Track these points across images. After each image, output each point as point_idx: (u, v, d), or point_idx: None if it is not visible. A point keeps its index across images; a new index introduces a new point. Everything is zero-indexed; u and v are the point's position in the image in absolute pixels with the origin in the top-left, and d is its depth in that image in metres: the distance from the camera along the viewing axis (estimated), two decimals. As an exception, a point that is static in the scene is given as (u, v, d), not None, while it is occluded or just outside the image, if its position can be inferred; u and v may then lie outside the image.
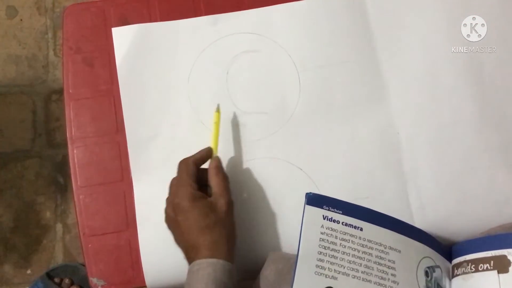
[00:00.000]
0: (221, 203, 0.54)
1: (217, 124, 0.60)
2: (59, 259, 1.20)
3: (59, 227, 1.21)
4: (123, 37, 0.66)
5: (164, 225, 0.61)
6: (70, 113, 0.65)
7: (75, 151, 0.64)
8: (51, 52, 1.27)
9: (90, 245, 0.63)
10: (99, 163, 0.64)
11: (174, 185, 0.55)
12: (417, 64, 0.66)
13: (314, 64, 0.65)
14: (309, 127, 0.64)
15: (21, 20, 1.29)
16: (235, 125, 0.64)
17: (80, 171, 0.64)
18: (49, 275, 1.13)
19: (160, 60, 0.65)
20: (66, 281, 1.12)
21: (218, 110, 0.61)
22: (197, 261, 0.51)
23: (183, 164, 0.56)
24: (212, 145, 0.59)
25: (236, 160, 0.63)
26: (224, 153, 0.62)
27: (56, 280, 1.12)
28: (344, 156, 0.64)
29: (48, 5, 1.29)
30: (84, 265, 1.13)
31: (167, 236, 0.61)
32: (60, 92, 1.25)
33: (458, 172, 0.63)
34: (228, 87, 0.65)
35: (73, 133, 0.65)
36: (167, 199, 0.56)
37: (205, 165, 0.58)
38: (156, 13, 0.67)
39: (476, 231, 0.61)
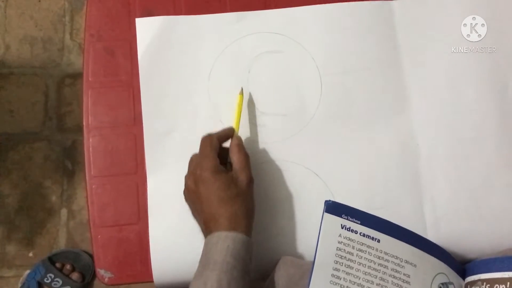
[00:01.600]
0: (242, 178, 0.54)
1: (240, 106, 0.61)
2: (61, 244, 1.19)
3: (64, 212, 1.21)
4: (147, 29, 0.65)
5: (175, 221, 0.62)
6: (88, 101, 0.64)
7: (90, 140, 0.64)
8: (67, 36, 1.27)
9: (99, 236, 0.62)
10: (113, 154, 0.63)
11: (197, 157, 0.56)
12: (441, 76, 0.65)
13: (337, 69, 0.65)
14: (327, 133, 0.64)
15: (39, 1, 1.28)
16: (253, 125, 0.64)
17: (94, 161, 0.63)
18: (51, 260, 1.13)
19: (182, 55, 0.65)
20: (68, 266, 1.12)
21: (241, 92, 0.62)
22: (216, 233, 0.50)
23: (207, 139, 0.56)
24: (234, 125, 0.60)
25: (252, 160, 0.62)
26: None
27: (58, 265, 1.12)
28: (361, 164, 0.63)
29: (67, -12, 1.29)
30: (86, 252, 1.15)
31: (179, 232, 0.62)
32: (73, 76, 1.25)
33: (475, 188, 0.63)
34: (249, 86, 0.64)
35: (89, 122, 0.64)
36: (188, 174, 0.56)
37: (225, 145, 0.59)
38: (181, 6, 0.66)
39: (490, 249, 0.60)
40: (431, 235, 0.61)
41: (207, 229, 0.52)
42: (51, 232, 1.20)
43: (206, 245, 0.51)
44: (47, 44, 1.26)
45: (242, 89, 0.62)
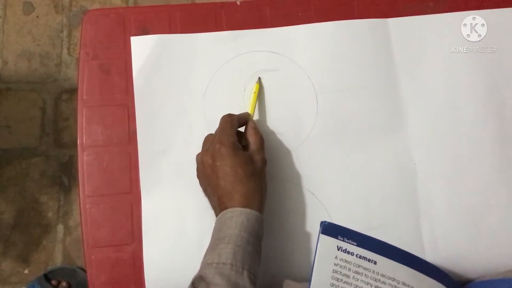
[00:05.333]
0: (257, 158, 0.56)
1: (256, 93, 0.63)
2: (58, 260, 1.18)
3: (60, 228, 1.20)
4: (142, 47, 0.65)
5: (170, 241, 0.61)
6: (82, 120, 0.64)
7: (84, 159, 0.63)
8: (65, 51, 1.27)
9: (93, 257, 0.61)
10: (108, 173, 0.63)
11: (216, 135, 0.57)
12: (438, 94, 0.65)
13: (333, 87, 0.64)
14: (323, 151, 0.63)
15: (37, 16, 1.28)
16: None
17: (88, 180, 0.63)
18: (47, 277, 1.12)
19: (178, 73, 0.64)
20: (64, 284, 1.11)
21: (258, 82, 0.64)
22: (231, 209, 0.51)
23: (228, 117, 0.58)
24: (250, 111, 0.62)
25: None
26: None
27: (54, 282, 1.11)
28: (358, 183, 0.62)
29: (65, 4, 1.29)
30: (82, 269, 1.13)
31: (173, 253, 0.61)
32: (71, 92, 1.25)
33: (473, 207, 0.62)
34: (244, 104, 0.64)
35: (84, 141, 0.63)
36: (202, 151, 0.57)
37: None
38: (176, 25, 0.66)
39: (488, 269, 0.60)
40: (429, 255, 0.60)
41: (221, 205, 0.53)
42: (47, 248, 1.19)
43: (219, 220, 0.52)
44: (45, 59, 1.26)
45: (259, 78, 0.64)
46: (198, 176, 0.58)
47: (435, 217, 0.62)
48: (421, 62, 0.65)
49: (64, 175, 1.21)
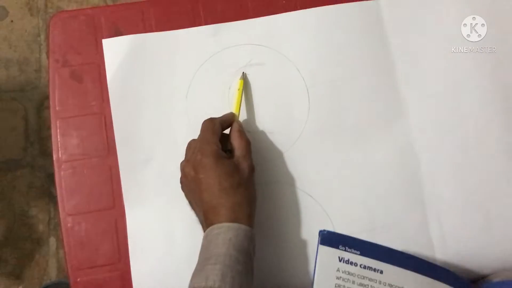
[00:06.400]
0: (244, 165, 0.51)
1: (240, 91, 0.58)
2: (52, 275, 1.15)
3: (52, 241, 1.16)
4: (115, 50, 0.60)
5: (159, 257, 0.57)
6: (56, 133, 0.59)
7: (62, 175, 0.59)
8: (44, 56, 1.22)
9: (79, 279, 0.57)
10: (88, 189, 0.58)
11: (197, 142, 0.53)
12: (439, 78, 0.60)
13: (325, 78, 0.60)
14: (319, 149, 0.59)
15: (12, 21, 1.23)
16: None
17: (68, 198, 0.59)
18: (42, 292, 1.09)
19: (156, 75, 0.60)
20: (60, 298, 1.08)
21: (242, 78, 0.59)
22: (217, 225, 0.47)
23: (210, 122, 0.53)
24: (234, 111, 0.57)
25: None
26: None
27: (49, 297, 1.08)
28: (358, 181, 0.58)
29: (40, 6, 1.24)
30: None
31: (163, 269, 0.57)
32: (53, 98, 1.20)
33: (483, 199, 0.58)
34: (230, 104, 0.59)
35: (60, 155, 0.59)
36: (184, 160, 0.53)
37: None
38: (151, 23, 0.61)
39: (503, 264, 0.56)
40: (438, 253, 0.57)
41: (207, 220, 0.49)
42: (41, 263, 1.15)
43: (205, 238, 0.48)
44: (23, 66, 1.21)
45: (243, 73, 0.60)
46: (182, 188, 0.54)
47: (443, 211, 0.58)
48: (418, 44, 0.61)
49: (53, 186, 1.17)
